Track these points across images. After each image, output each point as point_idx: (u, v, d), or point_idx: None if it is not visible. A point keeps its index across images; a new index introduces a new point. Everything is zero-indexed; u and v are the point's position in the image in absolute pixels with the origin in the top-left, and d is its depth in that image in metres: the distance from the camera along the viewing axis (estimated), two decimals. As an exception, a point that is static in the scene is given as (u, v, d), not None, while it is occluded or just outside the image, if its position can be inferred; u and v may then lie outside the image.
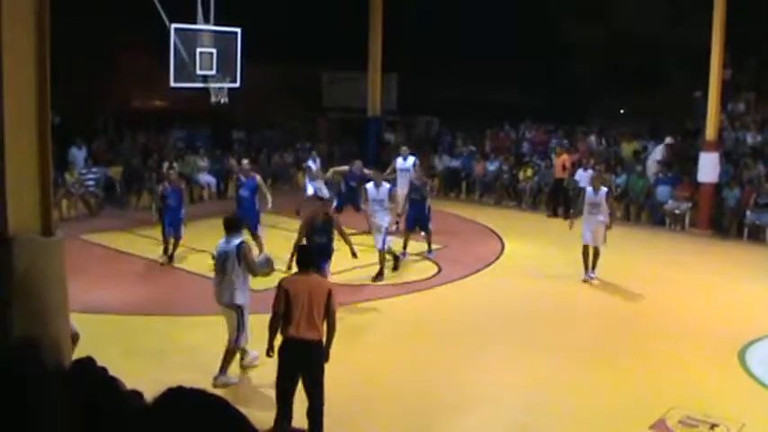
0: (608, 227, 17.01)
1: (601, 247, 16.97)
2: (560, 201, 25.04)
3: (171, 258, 18.18)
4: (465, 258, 19.10)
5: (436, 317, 14.88)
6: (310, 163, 24.28)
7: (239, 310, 11.39)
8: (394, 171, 21.94)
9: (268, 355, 9.39)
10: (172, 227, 18.01)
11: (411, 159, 21.72)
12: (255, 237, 17.52)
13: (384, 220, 17.49)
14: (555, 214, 24.77)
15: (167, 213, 18.05)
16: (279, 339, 9.25)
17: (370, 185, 18.06)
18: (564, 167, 24.93)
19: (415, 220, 19.01)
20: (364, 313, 14.79)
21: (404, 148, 22.32)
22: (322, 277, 9.81)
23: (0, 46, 9.09)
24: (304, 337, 9.00)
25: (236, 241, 11.39)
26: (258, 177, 18.80)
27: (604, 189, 17.43)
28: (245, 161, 20.03)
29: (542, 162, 27.12)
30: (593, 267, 17.07)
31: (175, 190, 18.32)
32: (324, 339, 9.17)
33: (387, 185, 18.18)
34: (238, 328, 11.38)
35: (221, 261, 11.40)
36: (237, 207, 17.82)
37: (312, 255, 9.69)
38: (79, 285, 13.25)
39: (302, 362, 9.15)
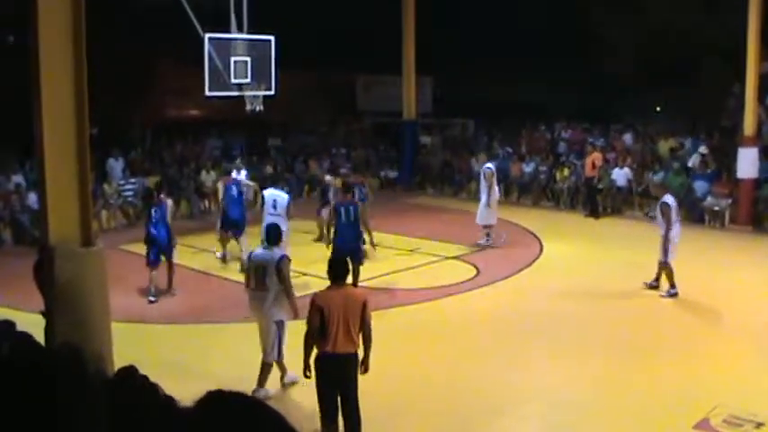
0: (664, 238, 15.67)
1: (662, 260, 15.77)
2: (594, 200, 24.89)
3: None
4: (503, 260, 19.04)
5: (475, 319, 14.83)
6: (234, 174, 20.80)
7: (279, 325, 11.20)
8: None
9: (305, 375, 9.23)
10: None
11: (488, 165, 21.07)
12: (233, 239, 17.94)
13: None
14: (592, 214, 24.62)
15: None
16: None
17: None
18: (593, 166, 24.77)
19: None
20: (401, 318, 14.75)
21: (481, 156, 21.93)
22: (356, 288, 9.33)
23: (38, 63, 9.22)
24: (340, 352, 8.86)
25: (278, 254, 11.21)
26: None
27: (662, 199, 16.07)
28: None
29: (579, 161, 26.98)
30: (671, 284, 15.75)
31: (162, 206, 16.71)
32: (359, 351, 9.03)
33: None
34: (275, 342, 11.17)
35: (261, 272, 11.12)
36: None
37: (344, 266, 9.34)
38: (119, 295, 13.41)
39: (338, 377, 9.01)
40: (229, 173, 20.56)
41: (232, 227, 18.89)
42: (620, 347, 12.96)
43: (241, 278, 17.28)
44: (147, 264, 16.30)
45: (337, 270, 9.22)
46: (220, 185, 19.95)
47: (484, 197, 20.33)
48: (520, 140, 30.79)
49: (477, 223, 20.50)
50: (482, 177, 20.64)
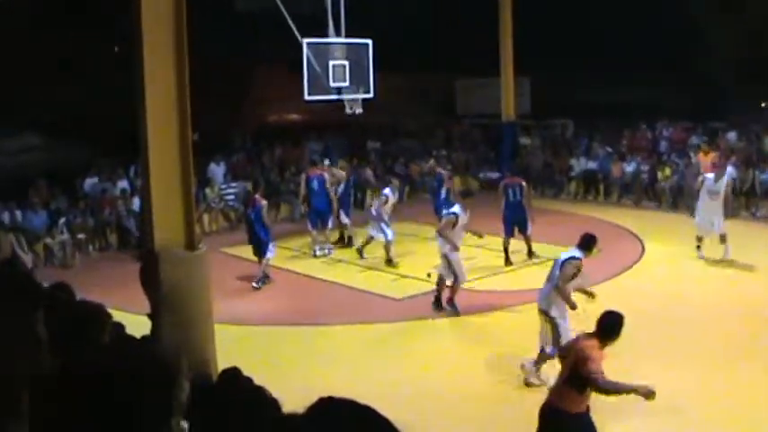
0: None
1: None
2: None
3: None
4: (603, 262, 18.74)
5: (573, 321, 14.65)
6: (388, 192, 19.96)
7: (552, 322, 11.33)
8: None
9: None
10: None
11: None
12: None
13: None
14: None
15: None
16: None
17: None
18: (714, 166, 24.01)
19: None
20: (498, 321, 14.68)
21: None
22: (588, 343, 8.74)
23: (142, 71, 9.44)
24: (551, 399, 8.45)
25: (568, 255, 11.39)
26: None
27: None
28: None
29: (681, 161, 26.52)
30: None
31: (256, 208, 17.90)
32: (569, 409, 8.34)
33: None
34: (546, 336, 11.39)
35: (552, 268, 11.52)
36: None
37: (616, 323, 8.64)
38: (222, 297, 13.62)
39: (544, 427, 8.44)
40: (314, 164, 21.79)
41: (319, 218, 20.19)
42: (728, 354, 12.58)
43: (346, 281, 17.62)
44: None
45: (602, 324, 8.62)
46: (302, 178, 21.17)
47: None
48: (621, 140, 30.38)
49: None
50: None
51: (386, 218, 18.96)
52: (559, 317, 11.31)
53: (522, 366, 11.57)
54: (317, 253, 20.20)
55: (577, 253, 11.37)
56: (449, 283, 15.12)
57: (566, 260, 11.26)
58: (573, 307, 11.28)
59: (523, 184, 19.57)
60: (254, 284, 17.38)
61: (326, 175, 20.78)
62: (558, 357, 9.33)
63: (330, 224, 20.55)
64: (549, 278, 11.46)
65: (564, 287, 11.19)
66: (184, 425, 3.69)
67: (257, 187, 19.60)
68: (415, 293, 16.44)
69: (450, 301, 15.16)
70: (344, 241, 21.24)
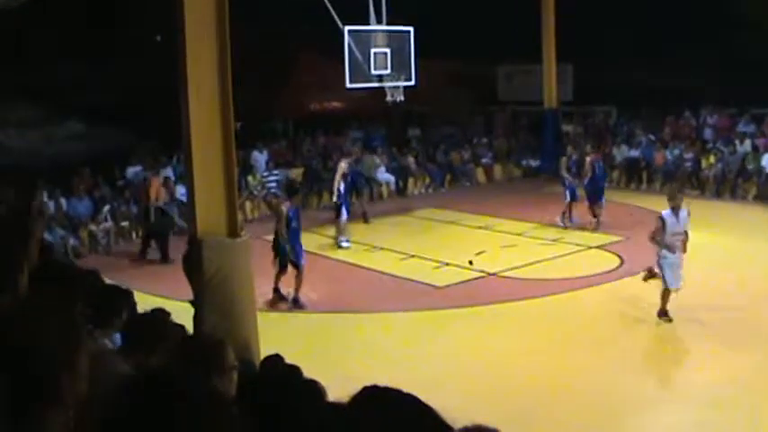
0: None
1: None
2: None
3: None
4: (647, 250, 18.61)
5: (615, 310, 14.58)
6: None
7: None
8: None
9: None
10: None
11: None
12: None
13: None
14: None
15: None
16: None
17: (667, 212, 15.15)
18: None
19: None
20: (541, 308, 14.65)
21: None
22: None
23: (184, 59, 9.48)
24: None
25: None
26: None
27: None
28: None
29: (726, 148, 26.20)
30: None
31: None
32: None
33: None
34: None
35: None
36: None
37: None
38: (264, 285, 13.67)
39: None
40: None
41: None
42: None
43: (387, 269, 17.61)
44: None
45: None
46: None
47: None
48: (664, 127, 30.10)
49: None
50: None
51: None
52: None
53: None
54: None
55: None
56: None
57: None
58: None
59: (601, 159, 22.63)
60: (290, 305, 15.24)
61: (343, 164, 20.62)
62: None
63: (344, 214, 19.88)
64: None
65: None
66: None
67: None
68: (457, 281, 16.45)
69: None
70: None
